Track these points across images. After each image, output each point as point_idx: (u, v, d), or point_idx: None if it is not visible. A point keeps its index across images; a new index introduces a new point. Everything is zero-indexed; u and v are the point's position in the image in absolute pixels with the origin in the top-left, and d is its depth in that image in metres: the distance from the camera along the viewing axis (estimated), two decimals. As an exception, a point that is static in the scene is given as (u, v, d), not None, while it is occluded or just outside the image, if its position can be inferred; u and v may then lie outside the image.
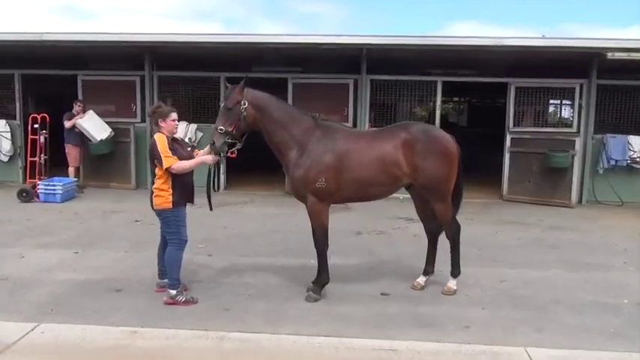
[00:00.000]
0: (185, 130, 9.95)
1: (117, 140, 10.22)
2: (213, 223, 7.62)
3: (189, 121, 10.09)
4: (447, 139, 4.76)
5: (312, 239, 4.79)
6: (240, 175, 11.79)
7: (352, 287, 5.07)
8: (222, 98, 4.65)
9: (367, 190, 4.67)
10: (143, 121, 10.23)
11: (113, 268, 5.53)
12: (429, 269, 5.11)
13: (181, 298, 4.62)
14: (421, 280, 5.08)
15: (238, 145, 4.66)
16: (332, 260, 5.66)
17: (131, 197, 9.19)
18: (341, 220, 8.05)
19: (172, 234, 4.60)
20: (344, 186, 4.58)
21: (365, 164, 4.58)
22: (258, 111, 4.57)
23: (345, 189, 4.60)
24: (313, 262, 5.47)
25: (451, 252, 4.96)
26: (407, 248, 6.42)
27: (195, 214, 4.98)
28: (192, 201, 4.76)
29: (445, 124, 14.46)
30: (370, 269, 5.64)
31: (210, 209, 4.95)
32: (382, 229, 7.50)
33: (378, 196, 4.83)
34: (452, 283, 4.94)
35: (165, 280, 4.77)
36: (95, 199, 9.28)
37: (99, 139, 9.87)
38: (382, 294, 4.88)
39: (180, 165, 4.50)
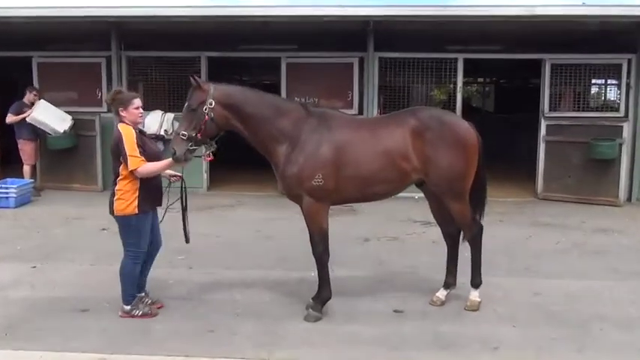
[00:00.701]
0: (160, 121, 9.97)
1: (80, 133, 10.26)
2: (194, 229, 7.52)
3: (165, 110, 10.12)
4: (464, 126, 4.77)
5: (310, 249, 4.81)
6: (226, 173, 11.83)
7: (360, 303, 5.09)
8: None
9: (371, 188, 4.69)
10: (110, 110, 10.25)
11: (77, 284, 5.56)
12: (449, 281, 5.13)
13: (138, 312, 4.71)
14: (441, 294, 5.11)
15: (211, 148, 4.68)
16: (336, 272, 5.68)
17: (97, 201, 9.22)
18: (346, 224, 8.07)
19: (131, 244, 4.64)
20: (344, 183, 4.60)
21: (368, 157, 4.59)
22: (229, 110, 4.56)
23: (345, 187, 4.62)
24: (313, 274, 5.49)
25: (472, 257, 4.98)
26: (424, 257, 6.45)
27: (170, 218, 5.00)
28: (160, 204, 4.82)
29: (468, 110, 14.47)
30: (380, 282, 5.66)
31: (187, 240, 5.02)
32: (394, 235, 7.53)
33: (383, 195, 4.85)
34: (474, 295, 4.96)
35: (141, 294, 4.85)
36: (55, 203, 9.31)
37: (62, 130, 9.90)
38: (395, 311, 4.90)
39: (148, 168, 4.52)
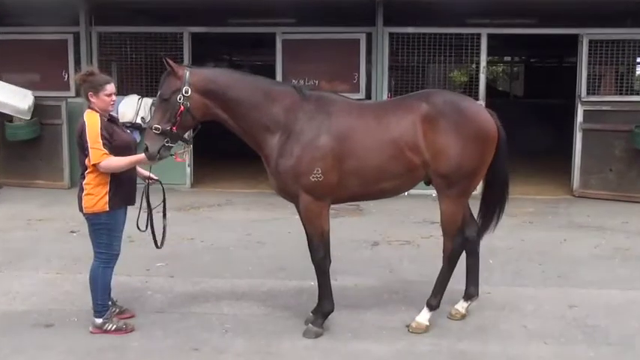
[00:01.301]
0: (136, 107, 9.98)
1: (44, 122, 10.27)
2: (176, 232, 7.62)
3: (142, 95, 10.12)
4: (485, 115, 4.76)
5: (309, 254, 4.81)
6: (212, 167, 11.85)
7: (367, 317, 5.09)
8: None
9: (377, 184, 4.69)
10: (79, 94, 10.26)
11: (42, 295, 5.56)
12: (471, 291, 5.13)
13: (111, 326, 4.72)
14: (461, 306, 5.11)
15: (187, 147, 4.69)
16: (340, 281, 5.70)
17: (64, 199, 9.24)
18: (351, 226, 8.08)
19: (101, 245, 4.68)
20: (346, 178, 4.60)
21: (373, 148, 4.59)
22: (210, 97, 4.56)
23: (347, 182, 4.62)
24: (313, 284, 5.49)
25: (440, 275, 4.94)
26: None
27: (156, 219, 5.01)
28: (134, 201, 4.84)
29: (493, 94, 14.55)
30: (392, 293, 5.67)
31: (157, 246, 5.02)
32: (408, 239, 7.53)
33: (391, 192, 4.85)
34: (423, 317, 4.87)
35: (115, 309, 4.87)
36: (15, 202, 9.33)
37: (26, 107, 9.86)
38: (408, 326, 4.90)
39: (112, 163, 4.53)
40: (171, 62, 4.52)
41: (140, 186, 4.88)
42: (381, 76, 10.11)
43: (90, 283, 4.74)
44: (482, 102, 9.97)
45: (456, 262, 4.93)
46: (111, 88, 4.64)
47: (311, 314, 4.90)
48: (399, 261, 6.67)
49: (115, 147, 4.56)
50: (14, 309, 5.24)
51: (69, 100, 10.39)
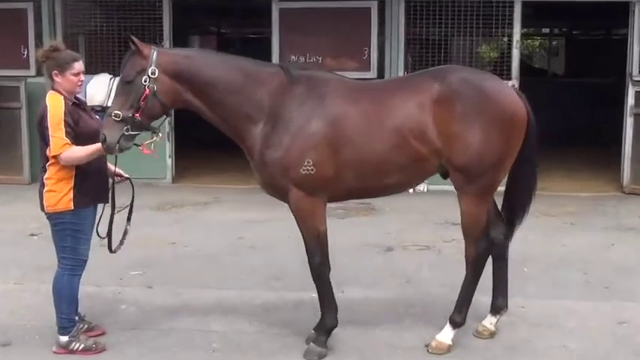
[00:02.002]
0: (108, 88, 9.97)
1: (-1, 106, 10.31)
2: (155, 235, 7.68)
3: (115, 74, 10.11)
4: (511, 96, 4.75)
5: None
6: (197, 159, 11.85)
7: (379, 334, 5.10)
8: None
9: (379, 179, 4.71)
10: (41, 73, 10.27)
11: (-3, 309, 5.59)
12: (499, 303, 5.13)
13: (78, 346, 4.73)
14: (489, 322, 5.12)
15: (155, 137, 4.70)
16: (347, 293, 5.72)
17: (24, 196, 9.22)
18: (361, 227, 8.09)
19: (66, 250, 4.70)
20: (343, 171, 4.62)
21: (372, 136, 4.60)
22: (180, 80, 4.57)
23: (344, 176, 4.64)
24: (314, 295, 5.51)
25: (464, 284, 4.95)
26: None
27: (123, 219, 5.03)
28: (105, 199, 4.88)
29: (528, 72, 14.52)
30: (408, 306, 5.68)
31: (111, 250, 5.05)
32: (427, 243, 7.55)
33: (393, 187, 4.87)
34: (445, 336, 4.87)
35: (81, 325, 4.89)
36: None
37: None
38: (428, 346, 4.91)
39: (75, 154, 4.55)
40: (135, 40, 4.54)
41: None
42: (395, 52, 10.11)
43: (53, 295, 4.76)
44: (515, 81, 9.98)
45: (482, 271, 4.94)
46: (79, 66, 4.66)
47: (313, 331, 4.92)
48: (417, 269, 6.67)
49: (81, 135, 4.58)
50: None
51: (29, 80, 10.40)
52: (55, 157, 4.54)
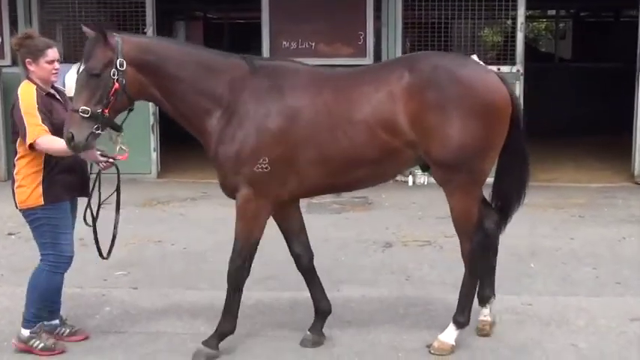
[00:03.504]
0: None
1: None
2: (140, 233, 7.65)
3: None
4: (492, 82, 4.71)
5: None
6: (184, 152, 11.78)
7: (379, 336, 5.09)
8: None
9: (347, 174, 4.69)
10: (17, 62, 10.24)
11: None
12: (486, 293, 5.13)
13: (38, 344, 4.76)
14: (485, 315, 5.12)
15: (119, 137, 4.67)
16: (344, 291, 5.72)
17: (0, 194, 9.21)
18: (359, 223, 8.08)
19: (47, 246, 4.72)
20: (304, 169, 4.60)
21: (337, 131, 4.56)
22: (144, 72, 4.54)
23: (308, 174, 4.62)
24: (308, 295, 5.52)
25: (463, 283, 4.94)
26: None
27: (107, 217, 5.01)
28: (84, 192, 4.89)
29: (534, 56, 14.52)
30: (409, 305, 5.67)
31: (101, 256, 5.07)
32: (428, 238, 7.55)
33: (367, 180, 4.87)
34: (448, 336, 4.87)
35: (55, 322, 4.93)
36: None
37: None
38: (430, 347, 4.91)
39: (53, 142, 4.53)
40: (92, 26, 4.49)
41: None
42: (393, 37, 10.09)
43: (27, 288, 4.80)
44: (520, 67, 10.00)
45: (479, 266, 4.93)
46: (53, 53, 4.65)
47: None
48: (418, 266, 6.67)
49: (55, 127, 4.58)
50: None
51: (4, 70, 10.37)
52: (31, 145, 4.52)
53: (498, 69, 9.75)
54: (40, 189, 4.61)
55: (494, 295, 5.12)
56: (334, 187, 4.99)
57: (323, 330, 5.02)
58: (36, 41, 4.68)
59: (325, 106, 4.60)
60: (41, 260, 4.77)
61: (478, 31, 11.79)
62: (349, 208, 8.72)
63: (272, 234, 7.52)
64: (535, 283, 6.10)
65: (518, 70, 10.01)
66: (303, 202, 8.66)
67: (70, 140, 4.36)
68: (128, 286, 6.13)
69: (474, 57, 9.80)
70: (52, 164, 4.64)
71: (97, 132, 4.43)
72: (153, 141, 10.49)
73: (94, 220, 4.96)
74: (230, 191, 4.76)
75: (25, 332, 4.77)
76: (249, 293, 5.88)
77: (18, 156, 4.65)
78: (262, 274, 6.42)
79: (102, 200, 4.93)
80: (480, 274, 5.02)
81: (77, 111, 4.36)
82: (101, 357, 4.80)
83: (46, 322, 4.94)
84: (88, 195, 4.91)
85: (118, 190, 4.99)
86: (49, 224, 4.66)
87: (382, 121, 4.54)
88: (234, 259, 4.75)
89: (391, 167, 4.77)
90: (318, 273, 5.08)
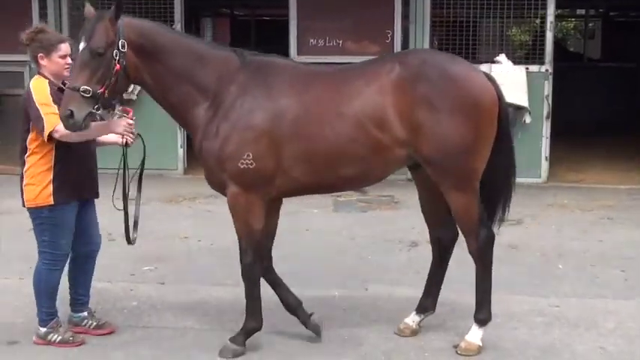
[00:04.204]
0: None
1: (3, 93, 10.37)
2: (167, 229, 7.71)
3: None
4: (479, 80, 4.70)
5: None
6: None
7: (406, 338, 5.09)
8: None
9: (332, 172, 4.66)
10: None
11: (1, 305, 5.65)
12: (426, 304, 5.14)
13: (56, 337, 4.83)
14: (412, 320, 5.12)
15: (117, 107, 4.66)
16: (371, 290, 5.74)
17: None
18: (385, 222, 8.07)
19: (45, 244, 4.77)
20: (291, 166, 4.59)
21: (324, 127, 4.55)
22: (141, 56, 4.53)
23: (293, 171, 4.60)
24: (337, 294, 5.52)
25: (477, 278, 4.93)
26: (499, 269, 6.36)
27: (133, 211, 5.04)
28: (93, 194, 4.94)
29: (562, 56, 14.41)
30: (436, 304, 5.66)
31: (129, 242, 5.05)
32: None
33: (355, 180, 4.86)
34: (474, 336, 4.86)
35: (82, 315, 5.02)
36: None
37: None
38: (457, 347, 4.90)
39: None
40: (88, 10, 4.50)
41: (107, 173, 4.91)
42: (420, 35, 10.06)
43: (33, 288, 4.87)
44: (548, 66, 9.93)
45: (491, 260, 4.91)
46: (66, 48, 4.68)
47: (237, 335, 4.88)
48: (444, 266, 6.65)
49: None
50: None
51: (33, 65, 10.42)
52: (49, 136, 4.52)
53: (527, 68, 9.81)
54: (51, 188, 4.65)
55: (433, 309, 5.15)
56: (321, 187, 4.96)
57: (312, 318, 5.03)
58: (49, 35, 4.72)
59: (313, 102, 4.61)
60: (39, 257, 4.84)
61: (506, 30, 11.72)
62: (375, 206, 8.71)
63: (293, 230, 7.60)
64: (563, 285, 6.06)
65: (547, 70, 9.94)
66: (329, 200, 8.80)
67: (68, 117, 4.28)
68: (155, 282, 6.17)
69: (502, 56, 9.85)
70: (62, 163, 4.67)
71: (95, 112, 4.40)
72: (180, 137, 10.52)
73: (126, 199, 4.94)
74: (217, 187, 4.79)
75: (42, 329, 4.85)
76: (273, 290, 5.92)
77: (28, 153, 4.69)
78: (287, 271, 6.41)
79: (134, 174, 4.94)
80: (427, 284, 5.15)
81: (77, 89, 4.29)
82: (128, 351, 4.83)
83: (74, 315, 5.05)
84: (97, 196, 4.96)
85: (142, 164, 4.99)
86: (51, 224, 4.70)
87: (371, 116, 4.54)
88: (243, 257, 4.78)
89: (380, 166, 4.73)
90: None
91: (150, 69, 4.58)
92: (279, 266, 6.55)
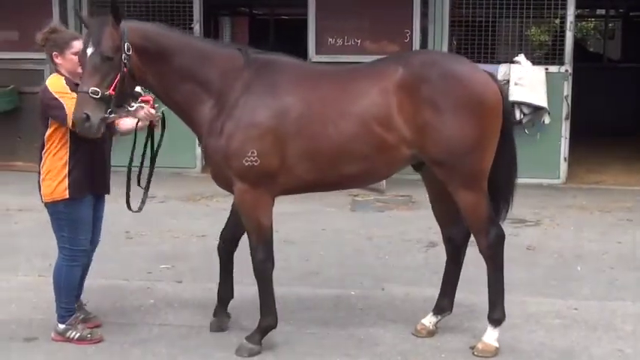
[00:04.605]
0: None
1: (23, 91, 10.40)
2: (183, 228, 7.73)
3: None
4: (481, 79, 4.70)
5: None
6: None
7: (423, 339, 5.08)
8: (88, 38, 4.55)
9: (336, 169, 4.68)
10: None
11: (21, 302, 5.66)
12: (442, 304, 5.14)
13: (74, 334, 4.88)
14: (428, 321, 5.11)
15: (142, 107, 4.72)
16: (388, 290, 5.72)
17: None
18: (402, 222, 8.05)
19: (64, 239, 4.83)
20: (295, 163, 4.61)
21: (328, 125, 4.57)
22: (144, 59, 4.57)
23: (297, 168, 4.63)
24: (354, 293, 5.51)
25: (488, 278, 4.91)
26: (516, 271, 6.37)
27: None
28: (105, 189, 4.99)
29: (582, 56, 14.32)
30: (453, 306, 5.63)
31: (131, 208, 5.05)
32: (472, 239, 7.41)
33: (358, 178, 4.88)
34: (490, 336, 4.84)
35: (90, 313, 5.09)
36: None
37: None
38: (474, 348, 4.87)
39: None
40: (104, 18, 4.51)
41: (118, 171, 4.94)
42: (439, 34, 10.02)
43: (53, 284, 4.92)
44: (568, 67, 9.87)
45: (502, 259, 4.90)
46: (79, 44, 4.71)
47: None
48: (463, 267, 6.60)
49: None
50: (-12, 319, 5.35)
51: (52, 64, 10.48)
52: (74, 124, 4.51)
53: (546, 69, 9.74)
54: (66, 182, 4.71)
55: (450, 310, 5.14)
56: (324, 185, 4.97)
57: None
58: (62, 34, 4.79)
59: (317, 100, 4.63)
60: (59, 253, 4.90)
61: (526, 30, 11.65)
62: (393, 206, 8.69)
63: (310, 230, 7.60)
64: (581, 287, 6.02)
65: (566, 70, 9.88)
66: (347, 200, 8.80)
67: (84, 120, 4.33)
68: (172, 280, 6.19)
69: (522, 56, 9.80)
70: (76, 157, 4.73)
71: (108, 115, 4.44)
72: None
73: (151, 171, 5.02)
74: (224, 184, 4.81)
75: (61, 326, 4.90)
76: (292, 289, 5.94)
77: (45, 149, 4.76)
78: (304, 270, 6.45)
79: (153, 149, 5.01)
80: (443, 284, 5.14)
81: (88, 92, 4.35)
82: (144, 349, 4.85)
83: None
84: (109, 192, 5.02)
85: (161, 136, 5.02)
86: (68, 219, 4.77)
87: (376, 116, 4.57)
88: (254, 254, 4.81)
89: (384, 165, 4.76)
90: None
91: (154, 70, 4.63)
92: (298, 264, 6.60)
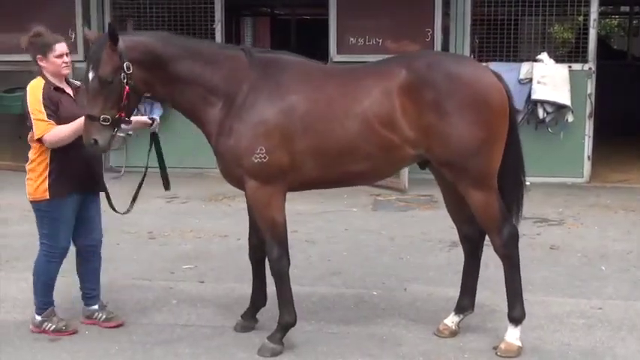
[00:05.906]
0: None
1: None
2: (206, 228, 7.75)
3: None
4: (487, 79, 4.68)
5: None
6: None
7: (445, 339, 5.06)
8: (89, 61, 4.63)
9: (342, 167, 4.70)
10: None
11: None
12: (464, 303, 5.11)
13: (50, 326, 5.02)
14: (451, 321, 5.08)
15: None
16: (410, 290, 5.71)
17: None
18: (424, 221, 8.03)
19: (44, 236, 4.97)
20: (302, 160, 4.64)
21: (333, 123, 4.60)
22: (149, 70, 4.61)
23: (304, 165, 4.66)
24: (375, 293, 5.50)
25: (505, 277, 4.88)
26: (538, 270, 6.37)
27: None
28: (97, 187, 5.08)
29: (605, 54, 14.20)
30: (475, 305, 5.57)
31: (167, 187, 5.15)
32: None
33: (363, 176, 4.90)
34: (512, 336, 4.81)
35: (93, 308, 5.20)
36: (9, 189, 9.44)
37: None
38: (497, 348, 4.83)
39: (59, 133, 4.70)
40: (89, 32, 4.59)
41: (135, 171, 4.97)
42: (461, 33, 9.99)
43: (33, 276, 5.06)
44: (591, 64, 9.80)
45: (518, 257, 4.86)
46: (61, 47, 4.83)
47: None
48: (484, 266, 6.50)
49: (62, 120, 4.75)
50: (12, 318, 5.38)
51: (76, 65, 10.53)
52: (39, 140, 4.73)
53: (569, 67, 9.67)
54: (46, 183, 4.82)
55: (472, 308, 5.12)
56: (329, 182, 4.98)
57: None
58: (44, 38, 4.86)
59: (323, 98, 4.66)
60: (40, 248, 5.02)
61: (548, 28, 11.58)
62: (415, 206, 8.67)
63: (332, 230, 7.59)
64: (605, 287, 5.96)
65: (590, 68, 9.81)
66: (369, 200, 8.79)
67: (92, 145, 4.52)
68: (195, 280, 6.21)
69: (544, 54, 9.74)
70: (58, 159, 4.81)
71: (116, 134, 4.59)
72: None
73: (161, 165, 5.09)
74: (235, 182, 4.83)
75: (38, 317, 5.03)
76: (313, 289, 5.95)
77: (31, 149, 4.89)
78: (326, 270, 6.45)
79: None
80: (462, 283, 5.13)
81: (97, 119, 4.47)
82: (167, 349, 4.87)
83: (86, 308, 5.23)
84: (101, 190, 5.11)
85: (156, 143, 5.09)
86: (50, 217, 4.89)
87: (380, 116, 4.58)
88: (269, 253, 4.81)
89: (388, 163, 4.78)
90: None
91: (159, 80, 4.68)
92: (319, 263, 6.60)
